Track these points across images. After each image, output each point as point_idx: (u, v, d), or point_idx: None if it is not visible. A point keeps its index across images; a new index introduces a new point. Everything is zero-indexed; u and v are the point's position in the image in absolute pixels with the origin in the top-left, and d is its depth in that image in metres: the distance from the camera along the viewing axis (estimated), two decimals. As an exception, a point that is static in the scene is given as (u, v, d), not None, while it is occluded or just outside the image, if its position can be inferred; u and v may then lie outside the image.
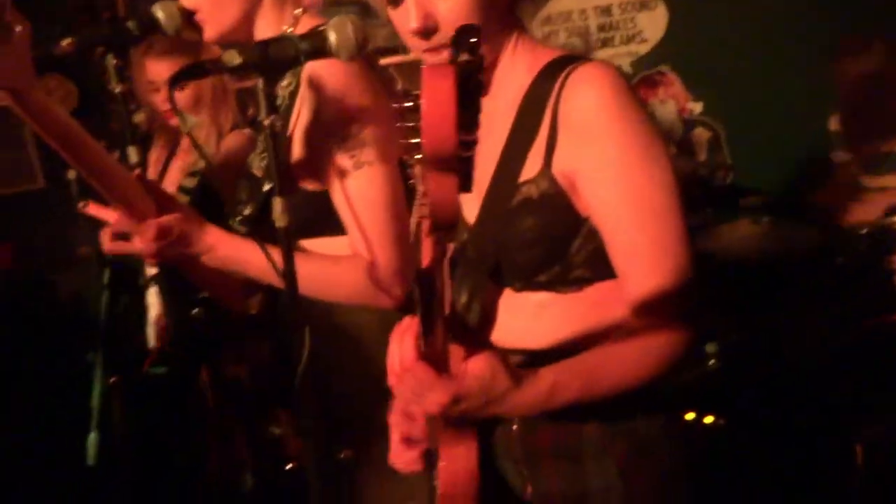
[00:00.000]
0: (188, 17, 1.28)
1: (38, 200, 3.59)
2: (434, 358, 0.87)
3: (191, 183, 2.04)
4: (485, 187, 1.08)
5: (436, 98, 0.61)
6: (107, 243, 1.20)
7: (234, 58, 0.97)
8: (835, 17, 2.95)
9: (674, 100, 3.33)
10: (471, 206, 1.13)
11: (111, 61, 1.20)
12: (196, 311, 1.31)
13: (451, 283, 1.03)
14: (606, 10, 3.29)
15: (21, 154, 3.52)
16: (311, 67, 1.19)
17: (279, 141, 1.03)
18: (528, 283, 1.07)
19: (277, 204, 1.03)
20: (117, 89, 1.22)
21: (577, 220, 1.02)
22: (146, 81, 2.16)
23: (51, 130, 0.99)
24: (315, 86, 1.23)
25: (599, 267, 1.03)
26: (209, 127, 2.15)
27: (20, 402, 2.93)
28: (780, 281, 2.70)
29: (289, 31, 1.34)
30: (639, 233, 0.99)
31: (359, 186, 1.26)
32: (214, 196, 1.83)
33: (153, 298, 2.39)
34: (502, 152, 1.06)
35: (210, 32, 1.31)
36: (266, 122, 1.01)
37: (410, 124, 0.68)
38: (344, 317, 1.36)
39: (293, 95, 1.31)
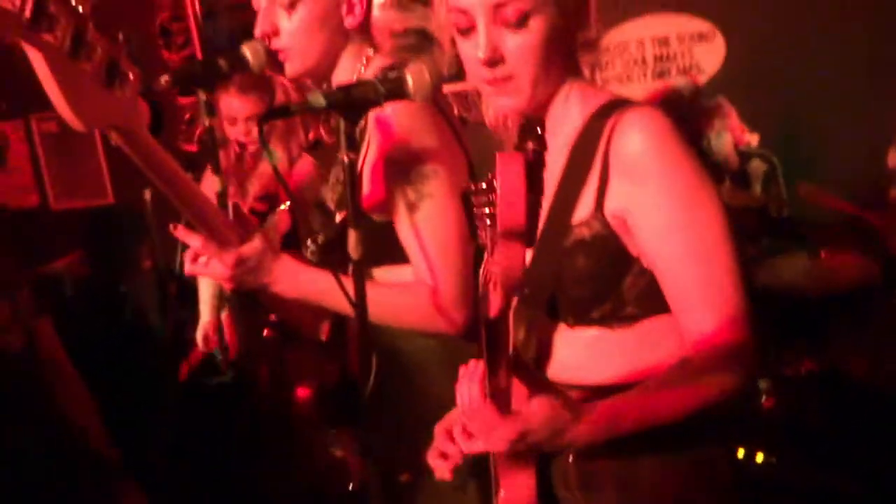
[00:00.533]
0: (273, 56, 1.36)
1: (107, 215, 3.76)
2: (499, 397, 0.91)
3: (261, 208, 2.14)
4: (540, 227, 1.12)
5: (509, 182, 0.68)
6: (188, 265, 1.27)
7: (319, 101, 1.04)
8: (894, 52, 2.92)
9: (730, 132, 3.32)
10: None
11: (202, 97, 1.28)
12: (267, 333, 1.37)
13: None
14: (664, 42, 3.32)
15: (94, 170, 3.69)
16: None
17: (356, 178, 1.09)
18: (581, 319, 1.11)
19: (352, 236, 1.09)
20: (206, 123, 1.30)
21: (629, 259, 1.07)
22: (223, 114, 2.29)
23: (153, 166, 1.07)
24: (383, 122, 1.30)
25: (650, 303, 1.07)
26: (280, 156, 2.25)
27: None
28: (837, 316, 2.67)
29: (361, 69, 1.42)
30: (691, 272, 1.02)
31: (423, 217, 1.32)
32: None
33: (204, 306, 2.49)
34: (556, 193, 1.11)
35: (292, 71, 1.40)
36: (346, 160, 1.07)
37: (484, 201, 0.77)
38: (407, 342, 1.42)
39: (363, 130, 1.38)
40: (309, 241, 1.46)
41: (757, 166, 3.33)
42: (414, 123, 1.30)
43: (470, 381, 1.00)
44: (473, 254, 1.38)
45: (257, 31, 1.38)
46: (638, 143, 1.02)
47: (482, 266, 0.94)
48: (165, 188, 1.11)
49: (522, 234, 0.71)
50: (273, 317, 1.46)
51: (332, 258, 1.33)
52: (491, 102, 1.15)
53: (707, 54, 3.27)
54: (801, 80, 3.12)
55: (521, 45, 1.06)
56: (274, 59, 1.36)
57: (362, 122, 1.35)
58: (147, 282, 3.64)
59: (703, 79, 3.29)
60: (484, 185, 0.75)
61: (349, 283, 1.14)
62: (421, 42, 1.36)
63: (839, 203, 2.77)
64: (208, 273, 1.27)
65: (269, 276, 1.28)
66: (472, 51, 1.07)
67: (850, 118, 3.09)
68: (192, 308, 3.04)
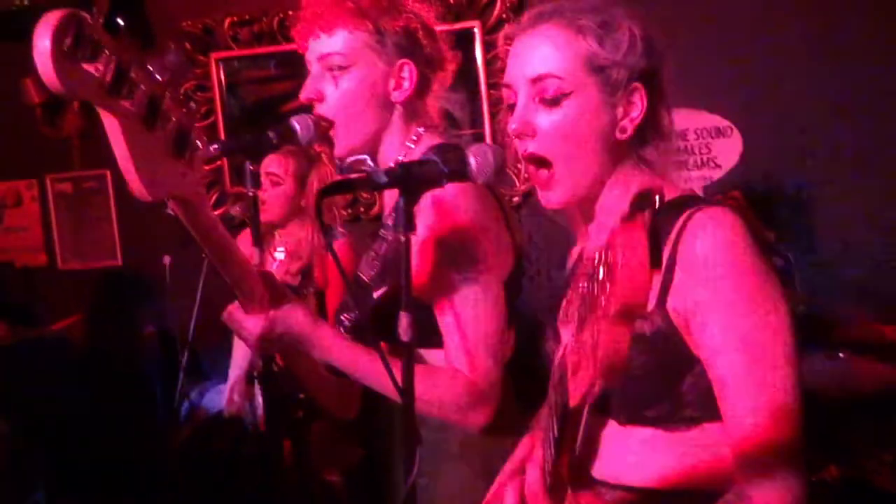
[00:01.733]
0: (322, 129, 1.35)
1: (113, 278, 3.71)
2: (558, 490, 0.86)
3: (294, 281, 2.11)
4: None
5: (629, 253, 0.64)
6: (225, 315, 1.25)
7: (381, 178, 1.02)
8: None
9: (746, 226, 3.33)
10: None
11: (248, 167, 1.26)
12: (295, 410, 1.31)
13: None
14: (682, 135, 3.36)
15: (105, 232, 3.67)
16: None
17: (410, 259, 1.06)
18: (635, 417, 1.05)
19: (404, 319, 1.05)
20: (251, 192, 1.28)
21: (690, 359, 1.02)
22: (265, 172, 2.28)
23: (208, 239, 1.05)
24: (433, 201, 1.27)
25: (711, 407, 1.01)
26: (314, 229, 2.25)
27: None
28: (860, 420, 2.61)
29: (411, 146, 1.41)
30: (747, 379, 0.97)
31: (464, 302, 1.28)
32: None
33: (235, 368, 2.42)
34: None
35: (341, 148, 1.38)
36: (403, 239, 1.04)
37: (586, 276, 0.72)
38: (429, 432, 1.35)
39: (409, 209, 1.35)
40: (343, 317, 1.41)
41: (773, 262, 3.32)
42: (465, 204, 1.28)
43: (528, 472, 0.94)
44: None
45: (303, 96, 1.38)
46: (710, 244, 0.99)
47: (560, 350, 0.90)
48: (212, 255, 1.08)
49: (639, 311, 0.67)
50: (302, 395, 1.40)
51: (365, 336, 1.29)
52: (539, 199, 1.12)
53: (724, 149, 3.32)
54: (818, 178, 3.16)
55: (552, 123, 1.06)
56: (323, 134, 1.35)
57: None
58: (147, 348, 3.57)
59: (719, 173, 3.33)
60: (595, 257, 0.70)
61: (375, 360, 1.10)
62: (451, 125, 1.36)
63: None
64: (239, 335, 1.23)
65: (304, 346, 1.24)
66: (509, 122, 1.07)
67: (867, 218, 3.11)
68: (199, 378, 2.97)
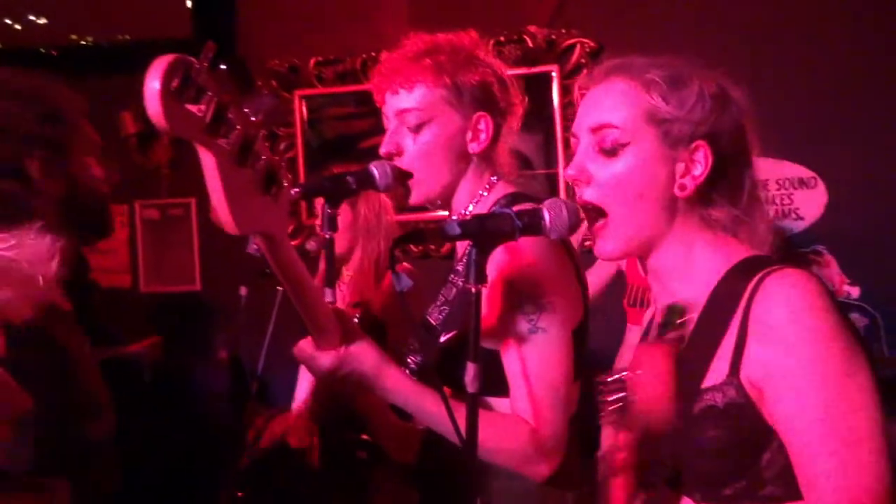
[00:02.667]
0: (401, 177, 1.38)
1: (192, 301, 3.85)
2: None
3: (352, 313, 2.13)
4: None
5: (654, 378, 0.64)
6: (297, 349, 1.27)
7: (454, 229, 1.03)
8: None
9: (829, 281, 3.21)
10: None
11: (326, 210, 1.30)
12: (362, 454, 1.33)
13: None
14: (763, 185, 3.26)
15: (186, 258, 3.82)
16: None
17: (480, 310, 1.06)
18: (711, 495, 1.01)
19: (471, 370, 1.05)
20: (327, 235, 1.31)
21: (768, 432, 0.97)
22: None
23: (288, 274, 1.08)
24: (504, 247, 1.28)
25: (793, 484, 0.96)
26: (362, 256, 2.30)
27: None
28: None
29: (483, 194, 1.42)
30: (827, 456, 0.92)
31: (533, 350, 1.27)
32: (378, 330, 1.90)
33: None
34: (684, 352, 1.03)
35: (418, 196, 1.41)
36: (473, 290, 1.04)
37: (616, 390, 0.72)
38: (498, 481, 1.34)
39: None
40: (409, 359, 1.43)
41: (856, 320, 3.19)
42: (536, 251, 1.27)
43: None
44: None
45: (382, 150, 1.41)
46: (785, 309, 0.95)
47: (603, 449, 0.88)
48: (290, 289, 1.11)
49: (664, 430, 0.65)
50: (365, 436, 1.41)
51: (430, 379, 1.29)
52: (595, 249, 1.11)
53: (807, 200, 3.22)
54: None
55: (608, 172, 1.06)
56: (401, 182, 1.38)
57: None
58: (220, 372, 3.67)
59: (802, 225, 3.23)
60: (616, 377, 0.70)
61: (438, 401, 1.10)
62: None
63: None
64: (309, 370, 1.26)
65: (370, 385, 1.26)
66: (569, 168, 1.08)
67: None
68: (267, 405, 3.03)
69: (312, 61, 3.66)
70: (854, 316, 3.19)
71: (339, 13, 3.66)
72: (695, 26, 3.25)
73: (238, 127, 0.92)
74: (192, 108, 0.86)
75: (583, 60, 3.37)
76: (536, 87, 3.41)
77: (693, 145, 1.05)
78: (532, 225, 1.06)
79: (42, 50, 3.79)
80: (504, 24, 3.46)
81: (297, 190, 1.30)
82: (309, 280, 1.12)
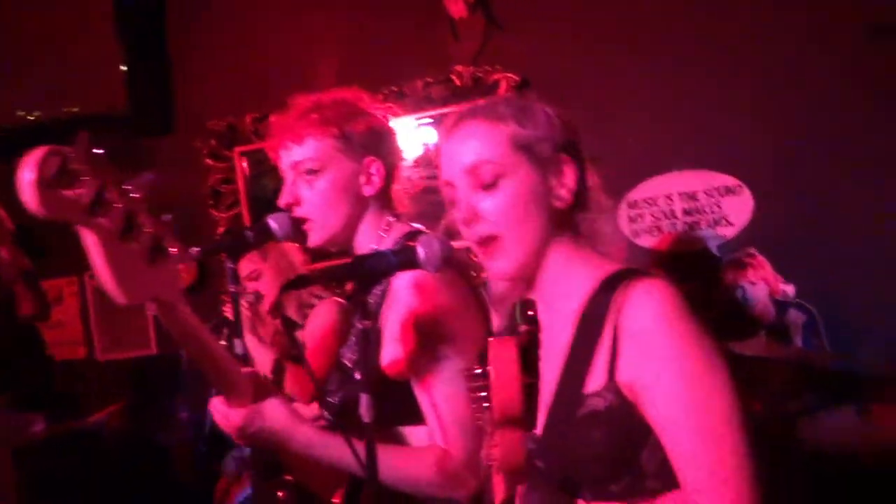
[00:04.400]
0: (296, 226, 1.45)
1: (150, 365, 3.86)
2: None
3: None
4: (549, 397, 1.10)
5: (503, 369, 0.70)
6: (212, 408, 1.32)
7: (336, 272, 1.10)
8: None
9: (764, 282, 3.30)
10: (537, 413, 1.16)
11: (229, 265, 1.36)
12: (282, 494, 1.37)
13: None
14: (692, 196, 3.40)
15: (139, 323, 3.84)
16: None
17: (371, 344, 1.13)
18: (599, 494, 1.07)
19: (364, 400, 1.11)
20: (231, 289, 1.37)
21: (646, 430, 1.04)
22: (243, 276, 2.41)
23: (186, 336, 1.13)
24: (404, 285, 1.35)
25: (672, 476, 1.03)
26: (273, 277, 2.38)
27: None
28: (889, 478, 2.51)
29: (383, 235, 1.49)
30: (697, 445, 1.00)
31: (440, 382, 1.34)
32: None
33: None
34: (565, 364, 1.10)
35: (315, 239, 1.48)
36: (360, 327, 1.11)
37: (480, 387, 0.78)
38: None
39: (385, 292, 1.43)
40: (328, 399, 1.48)
41: (796, 316, 3.28)
42: (440, 288, 1.34)
43: None
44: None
45: (281, 202, 1.47)
46: (647, 318, 1.03)
47: (484, 449, 0.94)
48: (192, 352, 1.16)
49: (520, 421, 0.72)
50: (289, 476, 1.45)
51: (350, 418, 1.34)
52: (486, 270, 1.17)
53: (735, 207, 3.34)
54: (834, 227, 3.14)
55: (494, 204, 1.12)
56: (298, 230, 1.45)
57: (385, 283, 1.41)
58: (183, 433, 3.66)
59: (732, 231, 3.34)
60: (478, 371, 0.77)
61: (361, 446, 1.15)
62: (439, 205, 1.43)
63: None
64: (222, 425, 1.30)
65: (284, 440, 1.30)
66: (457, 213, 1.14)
67: (887, 265, 3.07)
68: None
69: (249, 118, 3.75)
70: (793, 312, 3.28)
71: (271, 69, 3.76)
72: (613, 53, 3.39)
73: (118, 205, 0.96)
74: (69, 192, 0.91)
75: (508, 94, 3.48)
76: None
77: (557, 158, 1.14)
78: (407, 260, 1.13)
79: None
80: (431, 66, 3.58)
81: (197, 251, 1.36)
82: (210, 340, 1.17)
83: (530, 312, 0.79)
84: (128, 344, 3.86)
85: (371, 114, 1.52)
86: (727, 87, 3.28)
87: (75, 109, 3.80)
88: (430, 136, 3.54)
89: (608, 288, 1.09)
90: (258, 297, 2.31)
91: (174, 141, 3.90)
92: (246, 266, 2.40)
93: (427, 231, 1.43)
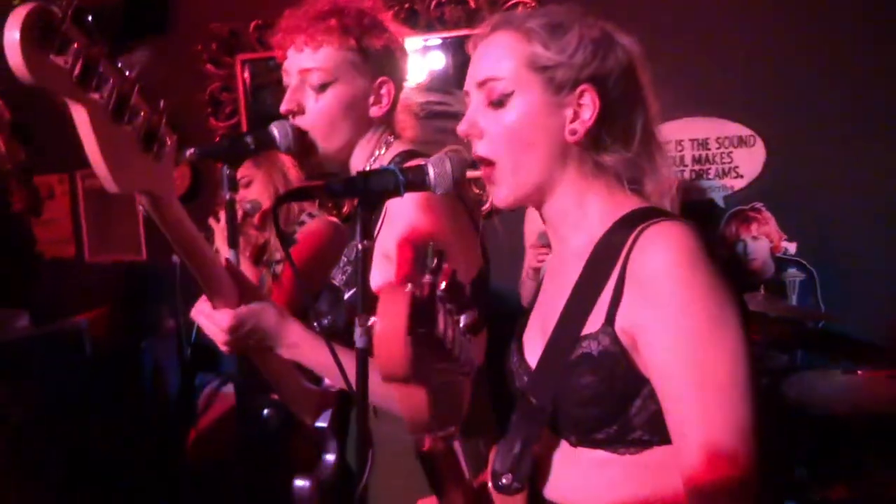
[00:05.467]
0: (299, 136, 1.37)
1: (138, 271, 3.81)
2: None
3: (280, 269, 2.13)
4: (549, 332, 1.07)
5: (388, 322, 0.64)
6: (193, 312, 1.26)
7: (337, 186, 1.03)
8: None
9: (767, 237, 3.27)
10: (534, 348, 1.12)
11: (225, 171, 1.29)
12: (267, 412, 1.33)
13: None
14: (703, 144, 3.31)
15: (130, 227, 3.77)
16: None
17: (368, 265, 1.07)
18: (584, 439, 1.04)
19: (359, 325, 1.05)
20: (227, 196, 1.30)
21: (639, 380, 0.98)
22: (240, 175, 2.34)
23: (176, 234, 1.07)
24: (398, 206, 1.28)
25: (661, 430, 0.98)
26: (264, 185, 2.31)
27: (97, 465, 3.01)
28: (873, 439, 2.53)
29: (380, 153, 1.42)
30: (693, 402, 0.93)
31: None
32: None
33: None
34: (567, 302, 1.05)
35: (318, 152, 1.40)
36: (359, 247, 1.05)
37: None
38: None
39: (380, 210, 1.37)
40: (315, 323, 1.43)
41: (794, 275, 3.26)
42: (435, 208, 1.28)
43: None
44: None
45: (283, 107, 1.39)
46: (659, 261, 0.95)
47: None
48: (179, 249, 1.10)
49: (408, 378, 0.66)
50: (275, 396, 1.41)
51: (339, 339, 1.30)
52: (487, 192, 1.12)
53: (747, 159, 3.26)
54: (843, 190, 3.08)
55: (496, 124, 1.06)
56: (300, 142, 1.37)
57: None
58: (167, 342, 3.64)
59: (741, 183, 3.27)
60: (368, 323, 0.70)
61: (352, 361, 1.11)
62: (444, 132, 1.36)
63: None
64: (207, 330, 1.25)
65: (273, 342, 1.25)
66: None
67: (892, 230, 3.02)
68: (212, 372, 3.02)
69: (253, 24, 3.60)
70: (791, 271, 3.25)
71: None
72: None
73: (111, 80, 0.89)
74: (59, 59, 0.84)
75: (559, 4, 3.34)
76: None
77: (579, 90, 1.05)
78: (416, 181, 1.07)
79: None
80: (447, -17, 3.42)
81: (192, 151, 1.29)
82: (199, 241, 1.11)
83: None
84: (117, 247, 3.80)
85: (390, 30, 1.43)
86: (748, 34, 3.15)
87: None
88: (438, 60, 3.41)
89: (624, 226, 1.02)
90: (255, 206, 2.24)
91: (172, 42, 3.74)
92: (240, 169, 2.33)
93: (424, 154, 1.36)
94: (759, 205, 3.27)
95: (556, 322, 1.06)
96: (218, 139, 3.71)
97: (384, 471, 1.28)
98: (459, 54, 3.40)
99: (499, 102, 1.06)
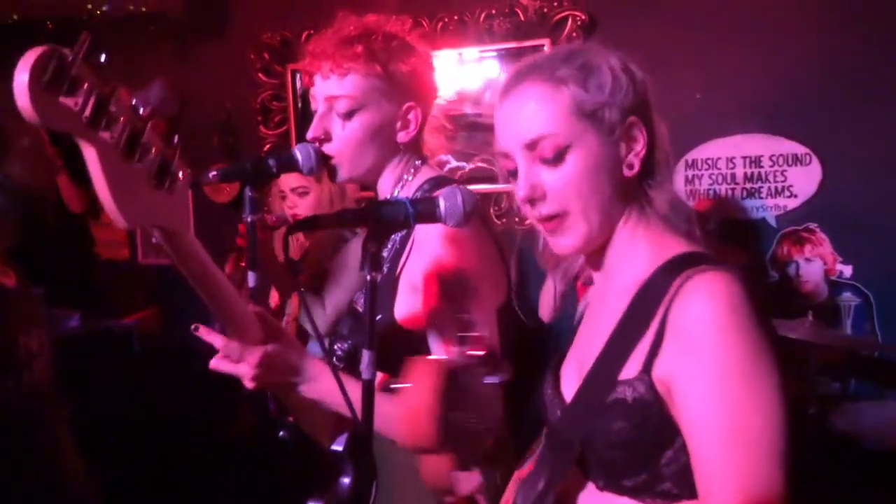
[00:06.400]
0: (324, 159, 1.37)
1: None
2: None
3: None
4: (586, 369, 1.05)
5: (417, 392, 0.63)
6: (214, 361, 1.24)
7: (347, 216, 1.03)
8: None
9: (821, 259, 3.15)
10: (570, 383, 1.10)
11: (247, 193, 1.30)
12: (283, 433, 1.34)
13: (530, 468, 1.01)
14: (756, 161, 3.22)
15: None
16: None
17: (378, 296, 1.06)
18: (612, 483, 1.01)
19: (366, 357, 1.05)
20: (249, 219, 1.31)
21: (672, 430, 0.96)
22: (290, 189, 2.35)
23: (190, 268, 1.06)
24: (425, 236, 1.27)
25: (691, 484, 0.94)
26: (318, 198, 2.32)
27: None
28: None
29: (408, 178, 1.41)
30: (723, 459, 0.90)
31: None
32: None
33: None
34: (607, 343, 1.03)
35: (340, 177, 1.40)
36: (368, 278, 1.04)
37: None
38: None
39: (406, 238, 1.36)
40: (336, 346, 1.43)
41: (849, 299, 3.13)
42: (463, 240, 1.26)
43: None
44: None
45: (310, 134, 1.39)
46: (700, 312, 0.93)
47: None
48: (195, 283, 1.09)
49: (436, 450, 0.65)
50: (291, 418, 1.42)
51: (355, 366, 1.30)
52: (550, 245, 1.09)
53: (801, 178, 3.14)
54: (903, 213, 2.95)
55: (559, 180, 1.03)
56: (323, 165, 1.37)
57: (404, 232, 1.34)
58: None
59: (795, 203, 3.16)
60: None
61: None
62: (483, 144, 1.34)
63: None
64: (233, 370, 1.23)
65: (295, 378, 1.25)
66: (517, 190, 1.05)
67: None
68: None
69: (304, 34, 3.65)
70: (846, 295, 3.13)
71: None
72: (687, 2, 3.17)
73: (122, 118, 0.90)
74: (69, 100, 0.85)
75: (574, 34, 3.30)
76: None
77: (627, 122, 1.03)
78: (426, 212, 1.06)
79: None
80: (496, -4, 3.40)
81: (215, 175, 1.30)
82: (217, 274, 1.10)
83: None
84: (160, 249, 3.89)
85: (418, 52, 1.42)
86: (804, 49, 3.03)
87: (130, 7, 3.73)
88: (489, 71, 3.40)
89: (670, 271, 1.00)
90: (281, 219, 2.26)
91: (227, 49, 3.83)
92: (297, 178, 2.35)
93: (452, 180, 1.35)
94: (812, 225, 3.15)
95: (594, 361, 1.04)
96: (267, 147, 3.78)
97: (393, 493, 1.27)
98: (508, 67, 3.38)
99: (557, 158, 1.03)
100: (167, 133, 0.97)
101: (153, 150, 0.95)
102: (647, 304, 0.99)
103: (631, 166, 1.04)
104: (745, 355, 0.91)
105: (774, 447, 0.90)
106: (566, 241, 1.06)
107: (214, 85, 3.82)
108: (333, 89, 1.38)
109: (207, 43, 3.82)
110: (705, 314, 0.92)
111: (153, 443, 3.14)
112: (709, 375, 0.92)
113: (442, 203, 1.06)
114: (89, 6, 3.77)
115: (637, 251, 1.06)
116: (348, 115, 1.37)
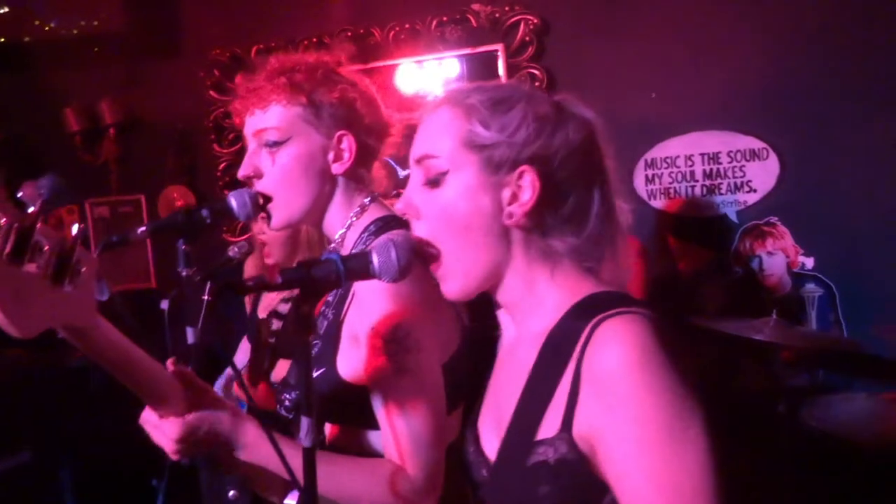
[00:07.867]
0: (259, 205, 1.32)
1: (150, 299, 3.82)
2: None
3: (285, 309, 2.08)
4: (504, 426, 1.00)
5: None
6: (146, 427, 1.19)
7: (276, 279, 0.98)
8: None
9: (783, 253, 3.16)
10: (491, 440, 1.06)
11: (181, 247, 1.25)
12: (232, 493, 1.29)
13: None
14: (714, 158, 3.21)
15: (140, 256, 3.78)
16: None
17: (312, 358, 1.02)
18: None
19: (304, 423, 1.01)
20: (183, 273, 1.26)
21: (601, 487, 0.91)
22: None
23: (106, 358, 1.00)
24: (366, 287, 1.22)
25: None
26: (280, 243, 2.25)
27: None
28: (885, 466, 2.42)
29: (353, 219, 1.37)
30: None
31: (398, 392, 1.22)
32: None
33: None
34: (521, 399, 0.98)
35: (278, 220, 1.35)
36: (302, 342, 1.00)
37: None
38: None
39: (350, 288, 1.31)
40: (283, 395, 1.39)
41: (812, 290, 3.14)
42: (400, 293, 1.21)
43: None
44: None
45: (240, 174, 1.35)
46: (614, 361, 0.88)
47: None
48: (116, 374, 1.02)
49: None
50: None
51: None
52: (442, 291, 1.06)
53: (760, 172, 3.15)
54: (860, 201, 2.96)
55: (433, 204, 1.01)
56: (259, 210, 1.32)
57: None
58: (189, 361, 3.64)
59: (755, 197, 3.16)
60: None
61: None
62: None
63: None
64: (156, 439, 1.18)
65: (229, 445, 1.20)
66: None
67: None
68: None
69: (254, 49, 3.58)
70: (810, 286, 3.15)
71: (281, 1, 3.56)
72: (639, 2, 3.15)
73: (2, 221, 0.79)
74: None
75: (527, 38, 3.27)
76: (482, 68, 3.33)
77: (518, 170, 0.98)
78: (359, 269, 1.01)
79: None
80: (447, 3, 3.36)
81: (143, 230, 1.25)
82: (132, 353, 1.04)
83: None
84: (127, 276, 3.81)
85: (349, 82, 1.37)
86: (760, 45, 3.03)
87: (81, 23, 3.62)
88: (439, 79, 3.35)
89: (579, 316, 0.95)
90: (243, 249, 2.20)
91: (177, 67, 3.74)
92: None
93: (400, 220, 1.30)
94: (773, 219, 3.16)
95: (510, 419, 0.99)
96: (223, 166, 3.69)
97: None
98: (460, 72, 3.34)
99: (435, 181, 1.01)
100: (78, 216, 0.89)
101: (45, 248, 0.84)
102: (558, 354, 0.94)
103: (510, 215, 0.99)
104: (665, 403, 0.87)
105: (704, 492, 0.87)
106: (447, 286, 1.03)
107: (166, 104, 3.73)
108: (258, 123, 1.35)
109: (157, 61, 3.73)
110: (619, 363, 0.88)
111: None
112: (630, 430, 0.87)
113: (375, 258, 1.01)
114: (36, 23, 3.67)
115: (541, 297, 1.02)
116: (275, 146, 1.34)
